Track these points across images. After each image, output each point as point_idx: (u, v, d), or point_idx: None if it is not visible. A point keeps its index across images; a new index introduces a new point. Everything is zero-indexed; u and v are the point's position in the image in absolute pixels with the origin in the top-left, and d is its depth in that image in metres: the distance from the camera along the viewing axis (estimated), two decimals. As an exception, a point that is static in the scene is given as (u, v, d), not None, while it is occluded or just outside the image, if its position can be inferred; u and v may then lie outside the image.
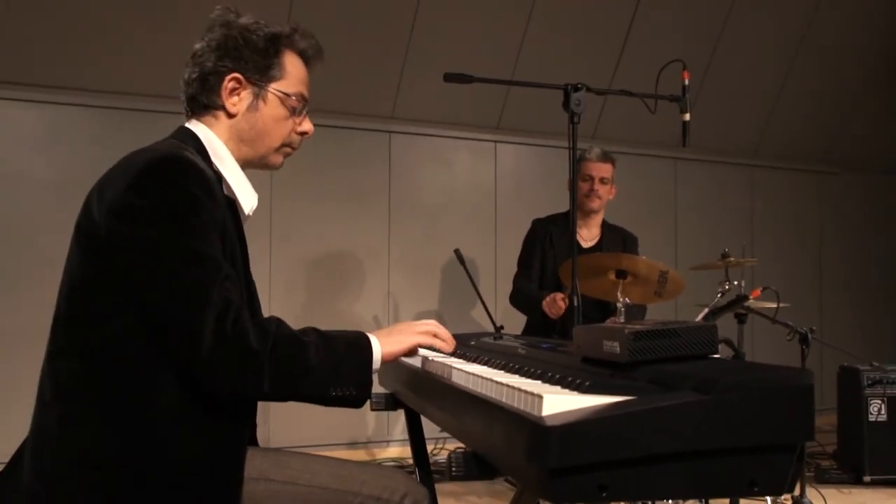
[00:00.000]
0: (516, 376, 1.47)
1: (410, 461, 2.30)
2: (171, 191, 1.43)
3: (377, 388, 2.04)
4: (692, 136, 2.69)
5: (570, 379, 1.29)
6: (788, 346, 3.61)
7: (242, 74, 1.62)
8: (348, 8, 4.92)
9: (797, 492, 3.56)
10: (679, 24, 5.64)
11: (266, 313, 1.64)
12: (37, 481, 1.43)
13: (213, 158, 1.61)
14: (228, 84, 1.62)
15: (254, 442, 1.70)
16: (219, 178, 1.60)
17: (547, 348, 1.79)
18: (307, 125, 1.73)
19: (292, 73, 1.68)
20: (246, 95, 1.64)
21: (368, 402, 2.22)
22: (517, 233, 4.15)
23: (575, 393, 1.19)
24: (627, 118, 5.30)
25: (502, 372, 1.55)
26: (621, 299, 3.19)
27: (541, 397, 1.10)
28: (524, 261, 4.01)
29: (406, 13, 5.06)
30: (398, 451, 5.11)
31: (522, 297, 3.93)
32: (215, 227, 1.46)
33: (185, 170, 1.46)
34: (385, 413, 4.17)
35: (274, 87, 1.65)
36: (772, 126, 6.46)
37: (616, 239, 3.92)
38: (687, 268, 4.10)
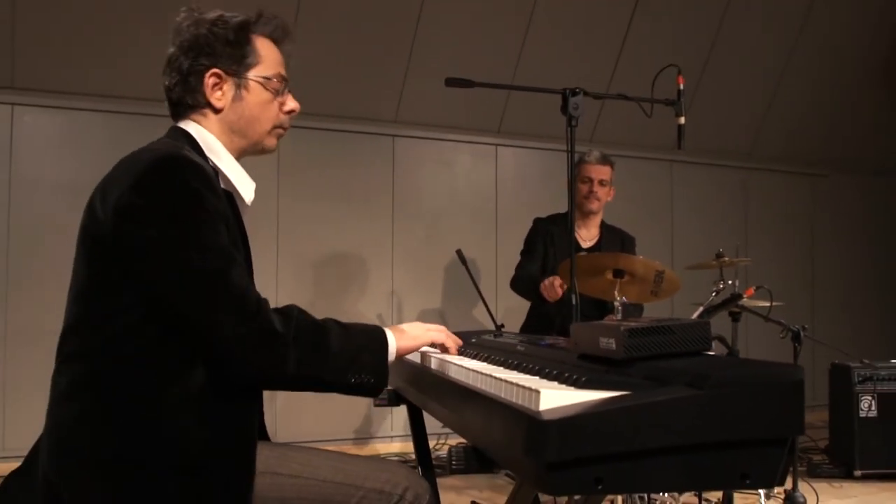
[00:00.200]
0: (515, 372, 1.47)
1: (413, 456, 2.30)
2: (174, 187, 1.43)
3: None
4: (688, 139, 2.69)
5: (567, 375, 1.29)
6: (781, 343, 3.62)
7: (220, 68, 1.61)
8: (353, 15, 4.93)
9: (790, 486, 3.56)
10: (675, 30, 5.64)
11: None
12: (52, 477, 1.42)
13: (208, 154, 1.62)
14: (209, 80, 1.61)
15: (264, 436, 1.69)
16: (216, 172, 1.60)
17: (545, 345, 1.79)
18: (292, 103, 1.73)
19: (267, 56, 1.67)
20: (228, 88, 1.63)
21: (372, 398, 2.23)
22: (517, 233, 4.15)
23: (572, 388, 1.19)
24: (625, 121, 5.31)
25: (501, 368, 1.55)
26: (618, 298, 3.19)
27: (538, 392, 1.10)
28: (527, 252, 4.00)
29: (409, 19, 5.07)
30: (401, 446, 5.11)
31: (522, 281, 3.91)
32: (219, 219, 1.47)
33: (185, 166, 1.46)
34: (388, 409, 4.18)
35: (253, 73, 1.65)
36: (765, 129, 6.46)
37: (614, 239, 3.92)
38: (683, 267, 4.10)
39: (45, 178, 4.43)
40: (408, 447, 4.83)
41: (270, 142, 1.73)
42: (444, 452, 4.57)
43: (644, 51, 5.51)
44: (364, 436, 5.14)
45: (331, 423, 5.03)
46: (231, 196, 1.63)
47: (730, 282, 3.60)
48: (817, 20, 6.05)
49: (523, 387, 1.16)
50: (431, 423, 2.20)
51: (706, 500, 3.61)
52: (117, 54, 4.46)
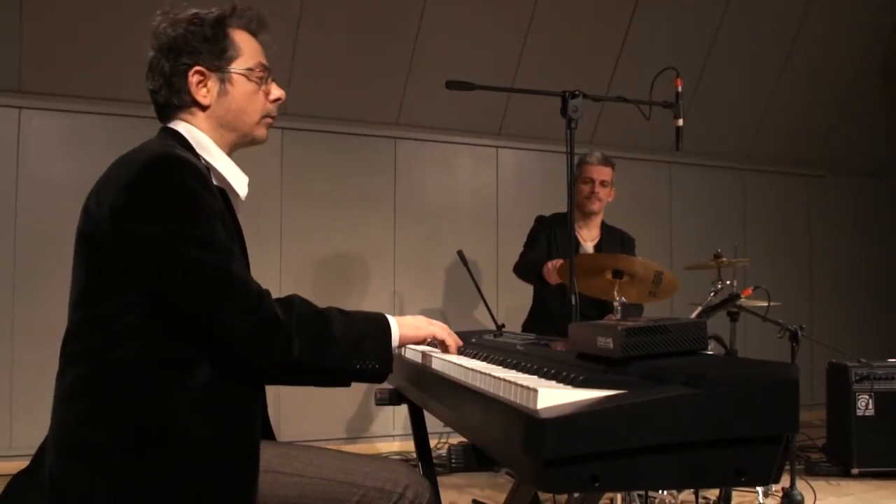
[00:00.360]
0: (513, 371, 1.47)
1: (414, 455, 2.30)
2: (169, 186, 1.43)
3: (382, 384, 2.04)
4: (686, 141, 2.69)
5: (564, 374, 1.29)
6: (779, 343, 3.61)
7: (202, 65, 1.61)
8: (355, 20, 4.94)
9: (787, 484, 3.55)
10: (673, 34, 5.64)
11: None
12: (57, 477, 1.42)
13: (199, 151, 1.61)
14: (193, 79, 1.60)
15: (269, 435, 1.69)
16: (208, 169, 1.60)
17: (544, 345, 1.79)
18: (277, 91, 1.72)
19: (246, 47, 1.66)
20: (213, 84, 1.62)
21: (374, 397, 2.23)
22: (518, 234, 4.15)
23: (569, 387, 1.19)
24: (624, 123, 5.30)
25: (500, 367, 1.55)
26: (618, 298, 3.19)
27: (536, 391, 1.10)
28: (530, 244, 3.96)
29: (410, 24, 5.07)
30: (402, 444, 5.11)
31: (525, 265, 3.88)
32: (215, 216, 1.47)
33: (179, 165, 1.46)
34: (390, 408, 4.17)
35: (235, 66, 1.64)
36: (763, 131, 6.46)
37: (615, 240, 3.92)
38: (681, 268, 4.10)
39: (52, 180, 4.43)
40: (409, 446, 4.83)
41: (260, 132, 1.71)
42: (445, 451, 4.57)
43: (643, 54, 5.51)
44: (366, 435, 5.14)
45: (333, 422, 5.03)
46: (224, 192, 1.63)
47: (728, 282, 3.60)
48: (813, 24, 6.05)
49: (521, 385, 1.16)
50: (433, 423, 2.20)
51: (704, 497, 3.61)
52: (123, 58, 4.45)
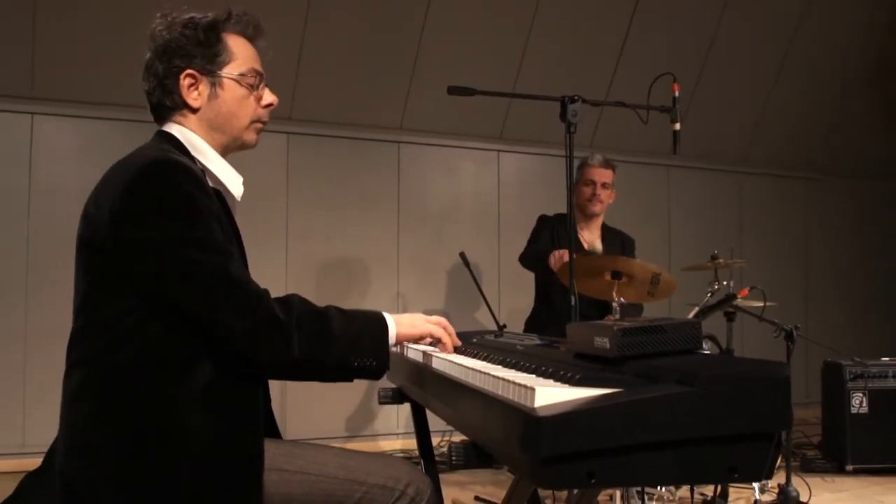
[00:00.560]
0: (512, 370, 1.47)
1: (417, 452, 2.30)
2: (166, 191, 1.43)
3: (385, 383, 2.05)
4: (684, 145, 2.69)
5: (562, 373, 1.29)
6: (775, 342, 3.61)
7: (194, 69, 1.60)
8: (359, 26, 4.94)
9: (783, 480, 3.55)
10: (671, 39, 5.64)
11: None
12: (68, 476, 1.42)
13: (194, 154, 1.61)
14: (184, 81, 1.60)
15: (275, 433, 1.69)
16: (203, 171, 1.60)
17: (543, 345, 1.79)
18: (269, 97, 1.70)
19: (239, 53, 1.65)
20: (204, 87, 1.62)
21: (377, 396, 2.23)
22: (519, 236, 4.15)
23: (566, 386, 1.19)
24: (623, 127, 5.28)
25: (499, 367, 1.55)
26: (616, 299, 3.19)
27: (533, 389, 1.10)
28: (533, 239, 3.95)
29: (413, 30, 5.08)
30: (405, 443, 5.11)
31: (530, 254, 3.86)
32: (212, 218, 1.47)
33: (175, 169, 1.46)
34: (393, 406, 4.18)
35: (226, 71, 1.63)
36: (759, 134, 6.46)
37: (615, 241, 3.92)
38: (679, 269, 4.10)
39: (64, 185, 4.44)
40: (411, 444, 4.83)
41: (250, 136, 1.70)
42: (447, 449, 4.57)
43: (642, 57, 5.52)
44: (369, 433, 5.14)
45: (337, 420, 5.04)
46: (220, 193, 1.63)
47: (724, 283, 3.60)
48: (809, 28, 6.05)
49: (519, 384, 1.16)
50: (436, 421, 2.20)
51: (702, 494, 3.61)
52: (134, 65, 4.41)
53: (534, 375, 1.38)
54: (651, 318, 1.39)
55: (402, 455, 4.70)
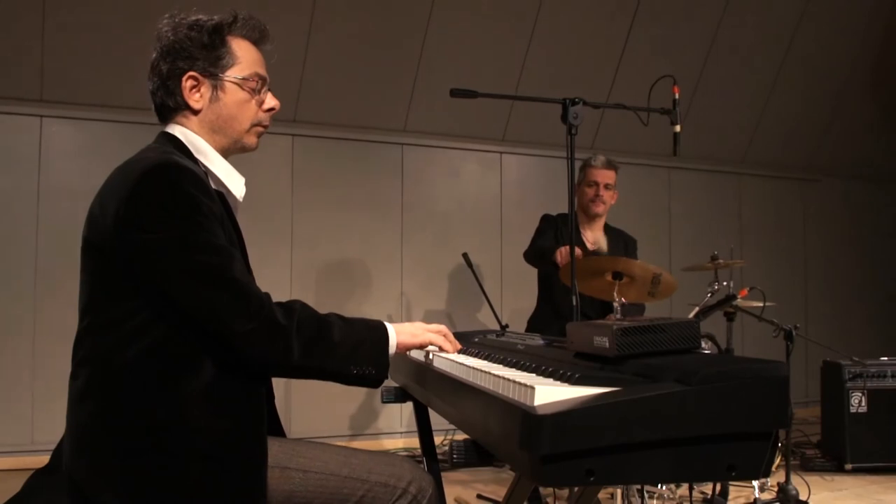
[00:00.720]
0: (513, 370, 1.47)
1: (419, 451, 2.30)
2: (169, 194, 1.43)
3: (388, 382, 2.05)
4: (685, 146, 2.68)
5: (561, 372, 1.29)
6: (774, 342, 3.60)
7: (196, 71, 1.60)
8: (363, 30, 4.95)
9: (783, 479, 3.54)
10: (671, 42, 5.63)
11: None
12: (75, 475, 1.43)
13: (196, 155, 1.61)
14: (187, 83, 1.60)
15: (279, 432, 1.69)
16: (206, 173, 1.60)
17: (544, 344, 1.79)
18: (271, 101, 1.69)
19: (243, 57, 1.64)
20: (205, 89, 1.61)
21: (380, 395, 2.23)
22: (522, 237, 4.14)
23: (565, 385, 1.19)
24: (624, 129, 5.30)
25: (500, 366, 1.55)
26: (617, 299, 3.19)
27: (533, 388, 1.10)
28: (540, 234, 3.94)
29: (417, 34, 5.08)
30: (407, 441, 5.11)
31: (536, 251, 3.83)
32: (215, 220, 1.46)
33: (178, 172, 1.45)
34: (396, 405, 4.18)
35: (228, 74, 1.62)
36: (758, 136, 6.45)
37: (618, 241, 3.91)
38: (679, 269, 4.09)
39: (72, 187, 4.45)
40: (414, 442, 4.83)
41: (250, 139, 1.69)
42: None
43: (642, 62, 5.51)
44: (371, 432, 5.14)
45: (340, 419, 5.04)
46: (223, 195, 1.62)
47: (724, 283, 3.60)
48: (807, 32, 6.04)
49: (519, 383, 1.16)
50: (439, 421, 2.20)
51: (702, 492, 3.60)
52: (142, 69, 4.46)
53: (534, 374, 1.38)
54: (650, 318, 1.39)
55: (405, 454, 4.70)
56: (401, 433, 5.18)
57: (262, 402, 1.53)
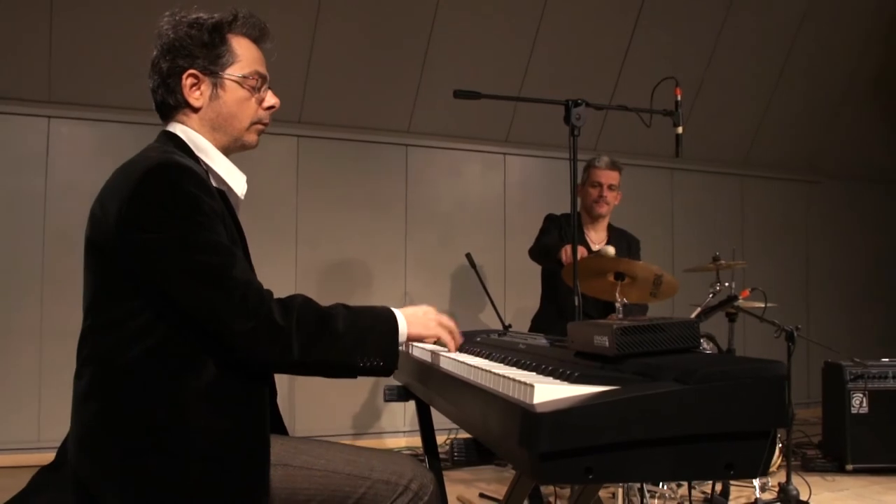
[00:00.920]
0: (513, 368, 1.47)
1: (421, 449, 2.30)
2: (170, 193, 1.43)
3: (390, 381, 2.05)
4: (687, 148, 2.69)
5: (561, 370, 1.29)
6: (776, 343, 3.59)
7: (196, 69, 1.59)
8: (368, 31, 4.95)
9: (784, 479, 3.54)
10: (674, 44, 5.63)
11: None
12: (80, 473, 1.43)
13: (197, 153, 1.61)
14: (187, 81, 1.60)
15: (281, 430, 1.69)
16: (207, 171, 1.60)
17: (545, 344, 1.79)
18: (271, 100, 1.69)
19: (243, 55, 1.63)
20: (205, 87, 1.61)
21: (382, 393, 2.23)
22: (525, 238, 4.15)
23: (565, 383, 1.19)
24: (627, 131, 5.29)
25: (501, 364, 1.55)
26: (619, 299, 3.19)
27: (532, 386, 1.10)
28: (544, 232, 3.93)
29: (421, 35, 5.08)
30: (410, 440, 5.11)
31: (541, 248, 3.84)
32: (216, 219, 1.46)
33: (179, 171, 1.45)
34: (398, 404, 4.18)
35: (228, 72, 1.62)
36: (761, 138, 6.43)
37: (622, 242, 3.90)
38: (682, 270, 4.08)
39: (79, 187, 4.46)
40: (416, 441, 4.83)
41: (250, 137, 1.69)
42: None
43: (644, 63, 5.51)
44: (374, 430, 5.14)
45: (343, 418, 5.04)
46: (224, 193, 1.62)
47: (726, 284, 3.59)
48: (810, 32, 6.03)
49: (519, 381, 1.16)
50: (442, 420, 2.20)
51: (703, 492, 3.60)
52: (147, 69, 4.49)
53: (534, 373, 1.38)
54: (650, 318, 1.39)
55: (407, 452, 4.69)
56: (403, 432, 5.19)
57: (264, 401, 1.53)
